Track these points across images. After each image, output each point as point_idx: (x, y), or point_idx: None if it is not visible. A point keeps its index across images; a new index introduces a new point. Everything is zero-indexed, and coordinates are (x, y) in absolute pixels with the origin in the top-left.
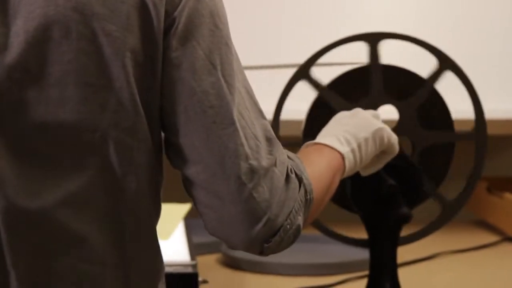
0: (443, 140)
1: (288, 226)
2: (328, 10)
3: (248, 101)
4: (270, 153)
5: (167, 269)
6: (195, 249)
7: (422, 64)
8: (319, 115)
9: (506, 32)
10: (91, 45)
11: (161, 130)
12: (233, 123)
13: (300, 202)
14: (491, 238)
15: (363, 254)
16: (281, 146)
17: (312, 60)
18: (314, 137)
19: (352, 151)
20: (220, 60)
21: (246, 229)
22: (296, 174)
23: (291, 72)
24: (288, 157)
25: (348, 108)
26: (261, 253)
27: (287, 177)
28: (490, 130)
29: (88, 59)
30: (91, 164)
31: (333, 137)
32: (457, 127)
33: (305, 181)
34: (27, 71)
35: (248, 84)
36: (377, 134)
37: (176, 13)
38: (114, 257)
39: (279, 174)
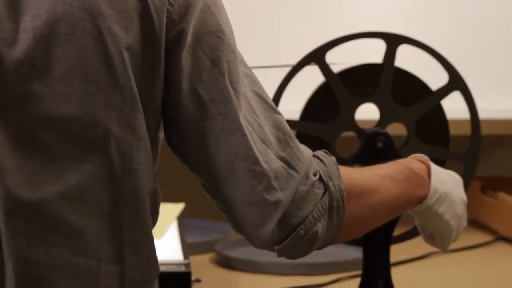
0: (435, 156)
1: (302, 231)
2: (330, 11)
3: (256, 104)
4: (282, 155)
5: (160, 268)
6: (188, 248)
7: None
8: (321, 101)
9: (502, 31)
10: (97, 43)
11: (158, 134)
12: (240, 128)
13: (321, 208)
14: (485, 237)
15: (356, 253)
16: (300, 147)
17: (329, 46)
18: (311, 121)
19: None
20: (227, 67)
21: (258, 228)
22: (321, 179)
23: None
24: (321, 160)
25: (351, 101)
26: (277, 253)
27: (306, 179)
28: (484, 130)
29: (93, 57)
30: (92, 159)
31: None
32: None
33: (331, 188)
34: (33, 65)
35: (257, 86)
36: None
37: (184, 23)
38: (109, 253)
39: (295, 175)
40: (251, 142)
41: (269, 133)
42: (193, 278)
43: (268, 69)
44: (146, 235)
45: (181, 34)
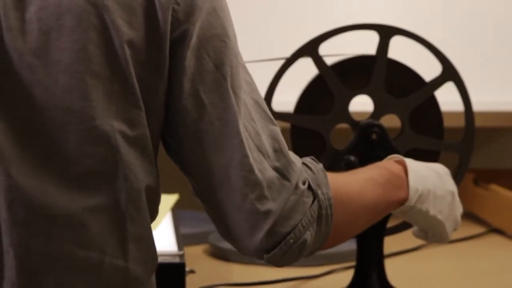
0: (429, 147)
1: (291, 240)
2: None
3: (255, 112)
4: (276, 165)
5: None
6: (182, 239)
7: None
8: (315, 94)
9: (496, 25)
10: (101, 36)
11: (159, 131)
12: (238, 134)
13: (310, 217)
14: (478, 229)
15: (350, 245)
16: (292, 157)
17: (322, 38)
18: (305, 114)
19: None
20: (230, 72)
21: (248, 237)
22: (310, 187)
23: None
24: (309, 167)
25: (345, 93)
26: (266, 262)
27: (297, 188)
28: (477, 122)
29: (97, 49)
30: (93, 151)
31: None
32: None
33: (320, 196)
34: (38, 56)
35: (257, 94)
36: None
37: (189, 24)
38: (113, 246)
39: (287, 185)
40: (248, 149)
41: (266, 142)
42: (187, 269)
43: (262, 62)
44: (147, 229)
45: (186, 34)
